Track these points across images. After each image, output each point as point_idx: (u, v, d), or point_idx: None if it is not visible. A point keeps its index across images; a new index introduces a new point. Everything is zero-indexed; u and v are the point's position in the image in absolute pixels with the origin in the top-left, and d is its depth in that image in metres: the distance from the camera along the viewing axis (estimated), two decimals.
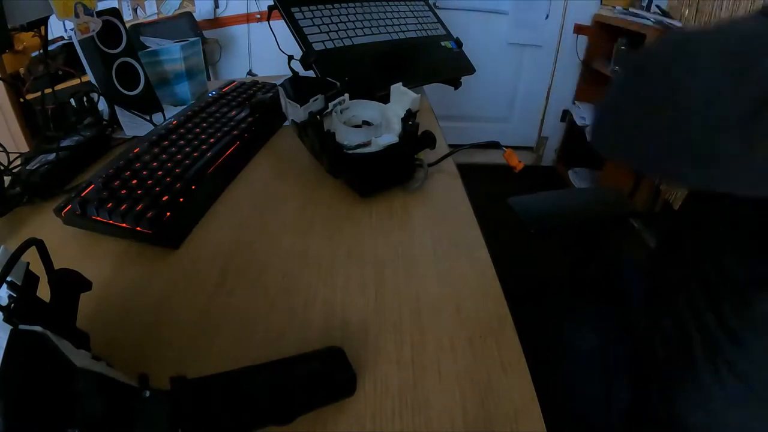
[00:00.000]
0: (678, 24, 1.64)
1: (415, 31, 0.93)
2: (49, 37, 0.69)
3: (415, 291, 0.43)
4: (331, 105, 0.58)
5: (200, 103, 0.75)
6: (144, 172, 0.55)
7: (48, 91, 0.66)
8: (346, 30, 0.84)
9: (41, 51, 0.69)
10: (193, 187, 0.56)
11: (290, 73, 0.93)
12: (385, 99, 0.62)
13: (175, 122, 0.68)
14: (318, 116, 0.55)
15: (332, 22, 0.83)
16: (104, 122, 0.71)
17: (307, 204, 0.56)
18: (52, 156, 0.60)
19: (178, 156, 0.59)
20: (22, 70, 0.75)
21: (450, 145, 0.67)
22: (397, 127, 0.58)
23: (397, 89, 0.60)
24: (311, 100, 0.56)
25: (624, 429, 0.50)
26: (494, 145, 0.64)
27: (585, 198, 0.91)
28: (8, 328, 0.23)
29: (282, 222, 0.53)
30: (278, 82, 0.63)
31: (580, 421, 0.50)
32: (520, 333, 0.38)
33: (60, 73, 0.79)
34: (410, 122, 0.57)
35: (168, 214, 0.50)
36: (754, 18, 0.27)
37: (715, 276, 0.45)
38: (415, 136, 0.57)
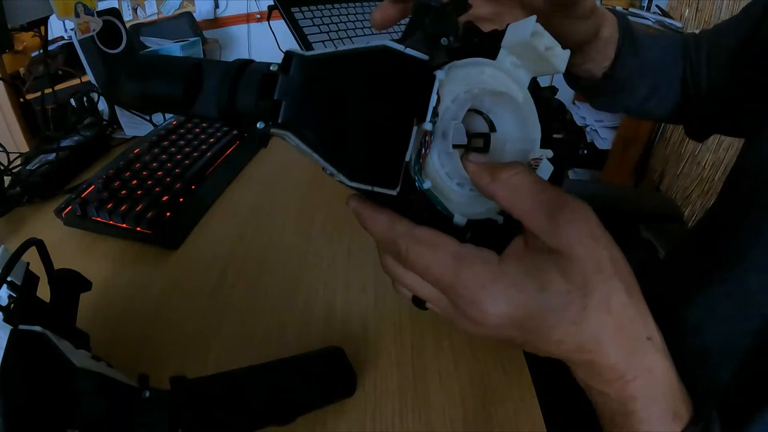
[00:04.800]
0: (678, 24, 1.64)
1: None
2: (49, 37, 0.69)
3: None
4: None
5: None
6: (144, 173, 0.55)
7: (48, 91, 0.66)
8: (346, 30, 0.83)
9: (41, 51, 0.69)
10: (193, 187, 0.56)
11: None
12: None
13: (175, 122, 0.68)
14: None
15: (332, 22, 0.83)
16: (104, 122, 0.71)
17: (307, 204, 0.56)
18: (52, 156, 0.60)
19: (178, 156, 0.59)
20: (22, 70, 0.75)
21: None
22: (525, 117, 0.26)
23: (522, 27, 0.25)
24: None
25: None
26: None
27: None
28: (8, 328, 0.23)
29: (282, 222, 0.53)
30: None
31: (578, 421, 0.50)
32: None
33: (60, 73, 0.79)
34: (550, 99, 0.28)
35: (168, 214, 0.50)
36: None
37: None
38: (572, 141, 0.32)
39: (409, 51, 0.22)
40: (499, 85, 0.26)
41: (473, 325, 0.24)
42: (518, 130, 0.26)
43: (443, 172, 0.25)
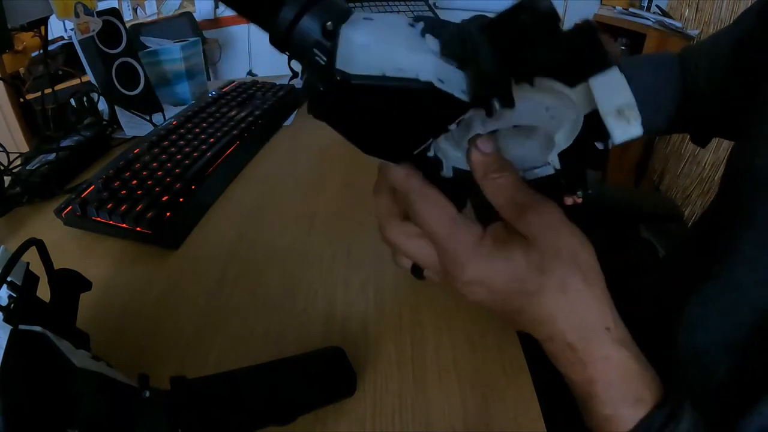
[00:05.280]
0: (678, 24, 1.64)
1: None
2: (49, 37, 0.69)
3: (415, 290, 0.43)
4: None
5: (200, 103, 0.75)
6: (144, 173, 0.55)
7: (48, 91, 0.66)
8: None
9: (41, 51, 0.69)
10: (193, 187, 0.56)
11: (290, 73, 0.93)
12: None
13: (175, 122, 0.68)
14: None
15: None
16: (104, 122, 0.71)
17: (307, 204, 0.56)
18: (52, 156, 0.60)
19: (178, 156, 0.59)
20: (22, 70, 0.75)
21: None
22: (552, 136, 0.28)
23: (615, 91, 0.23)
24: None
25: None
26: None
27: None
28: (8, 328, 0.23)
29: (282, 222, 0.53)
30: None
31: (578, 421, 0.50)
32: (520, 332, 0.38)
33: (60, 73, 0.79)
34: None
35: (168, 214, 0.50)
36: None
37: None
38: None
39: (456, 94, 0.22)
40: (547, 121, 0.27)
41: (452, 279, 0.28)
42: (539, 146, 0.29)
43: (459, 135, 0.28)
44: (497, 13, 0.22)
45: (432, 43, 0.23)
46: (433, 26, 0.24)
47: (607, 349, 0.26)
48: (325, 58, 0.23)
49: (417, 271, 0.33)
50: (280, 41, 0.24)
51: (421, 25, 0.24)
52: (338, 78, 0.22)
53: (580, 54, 0.22)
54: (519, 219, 0.27)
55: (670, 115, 0.52)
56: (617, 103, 0.22)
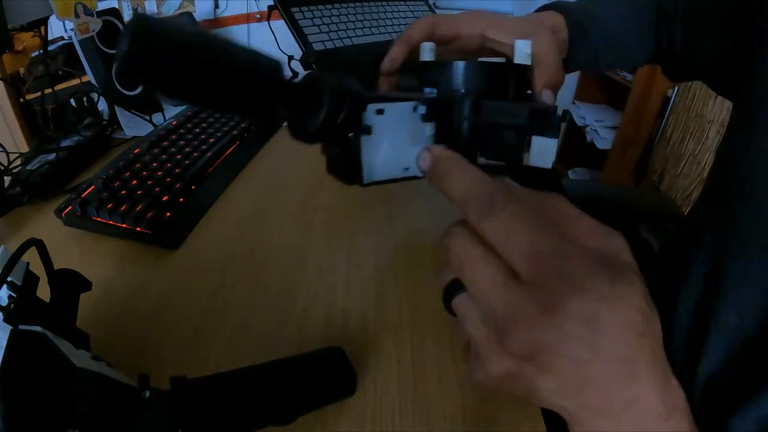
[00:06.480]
0: None
1: None
2: (49, 37, 0.69)
3: (415, 290, 0.43)
4: None
5: None
6: (144, 173, 0.55)
7: (48, 91, 0.66)
8: (346, 30, 0.83)
9: (41, 51, 0.69)
10: (193, 187, 0.56)
11: (290, 74, 0.93)
12: None
13: (175, 122, 0.68)
14: None
15: (332, 22, 0.83)
16: (104, 122, 0.71)
17: (307, 204, 0.56)
18: (52, 156, 0.60)
19: (178, 156, 0.59)
20: (22, 70, 0.75)
21: None
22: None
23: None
24: None
25: None
26: None
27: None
28: (8, 328, 0.23)
29: (282, 222, 0.53)
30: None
31: None
32: None
33: (60, 73, 0.79)
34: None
35: (168, 214, 0.50)
36: None
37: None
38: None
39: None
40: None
41: (541, 322, 0.19)
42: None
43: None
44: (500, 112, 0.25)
45: (428, 128, 0.26)
46: (431, 108, 0.26)
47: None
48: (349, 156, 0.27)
49: (449, 298, 0.27)
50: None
51: (423, 110, 0.26)
52: (364, 183, 0.28)
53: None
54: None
55: (650, 49, 0.52)
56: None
